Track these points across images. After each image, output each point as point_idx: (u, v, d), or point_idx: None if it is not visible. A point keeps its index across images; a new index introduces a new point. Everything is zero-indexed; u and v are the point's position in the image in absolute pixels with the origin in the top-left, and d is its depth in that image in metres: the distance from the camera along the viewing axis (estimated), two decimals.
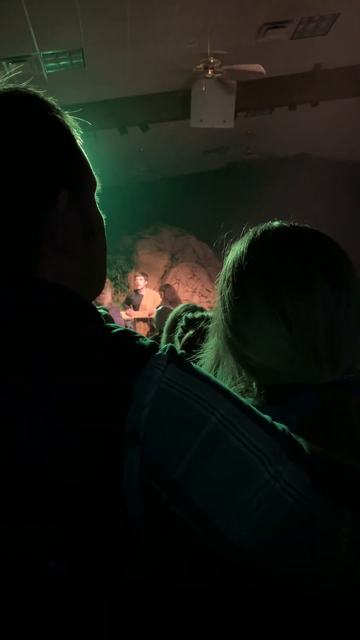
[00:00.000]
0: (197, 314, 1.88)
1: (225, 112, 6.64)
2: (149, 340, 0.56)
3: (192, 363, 0.56)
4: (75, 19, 5.05)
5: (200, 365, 0.77)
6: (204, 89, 6.23)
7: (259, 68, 5.48)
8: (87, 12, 4.97)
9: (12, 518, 0.49)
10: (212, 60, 5.75)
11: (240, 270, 0.73)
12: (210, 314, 1.76)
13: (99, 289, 0.70)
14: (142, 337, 0.57)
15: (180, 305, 2.32)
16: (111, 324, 0.59)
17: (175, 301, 7.49)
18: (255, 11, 5.43)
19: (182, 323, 1.90)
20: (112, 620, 0.50)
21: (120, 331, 0.57)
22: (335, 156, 9.29)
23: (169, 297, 7.66)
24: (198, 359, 0.80)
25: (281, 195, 8.43)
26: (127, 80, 6.48)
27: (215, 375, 0.76)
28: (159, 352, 0.54)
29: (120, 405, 0.50)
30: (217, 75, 5.92)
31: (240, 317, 0.71)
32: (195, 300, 8.68)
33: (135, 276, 8.50)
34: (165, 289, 7.96)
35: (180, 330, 1.90)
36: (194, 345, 0.83)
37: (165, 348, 0.55)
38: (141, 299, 8.15)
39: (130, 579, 0.51)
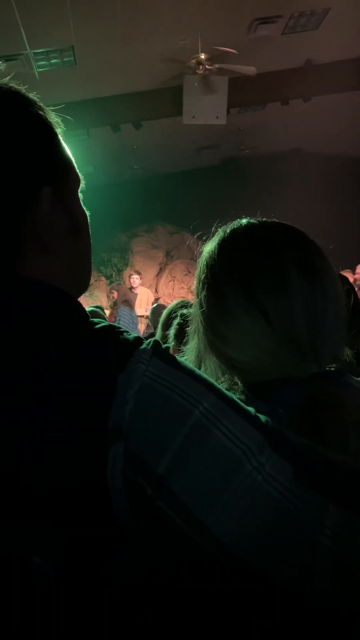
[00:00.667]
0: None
1: (218, 108, 6.63)
2: (133, 335, 0.56)
3: (176, 357, 0.56)
4: (66, 16, 5.03)
5: None
6: (195, 85, 6.22)
7: (251, 71, 5.47)
8: (77, 9, 4.95)
9: (11, 518, 0.49)
10: (203, 57, 5.74)
11: (214, 270, 0.72)
12: None
13: (85, 286, 0.70)
14: (127, 331, 0.57)
15: (175, 302, 2.32)
16: (95, 320, 0.59)
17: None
18: (245, 6, 5.42)
19: (178, 320, 1.90)
20: (108, 620, 0.50)
21: (105, 326, 0.57)
22: (329, 151, 9.28)
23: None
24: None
25: (276, 191, 8.43)
26: (119, 78, 6.46)
27: None
28: (143, 346, 0.54)
29: (105, 400, 0.50)
30: (208, 70, 5.91)
31: (219, 317, 0.71)
32: (191, 298, 8.67)
33: (130, 275, 8.54)
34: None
35: (176, 326, 1.89)
36: None
37: (150, 342, 0.55)
38: (136, 297, 8.20)
39: (128, 579, 0.51)
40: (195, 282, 0.77)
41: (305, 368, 0.67)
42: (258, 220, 0.75)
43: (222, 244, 0.74)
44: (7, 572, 0.49)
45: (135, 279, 8.30)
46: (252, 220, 0.75)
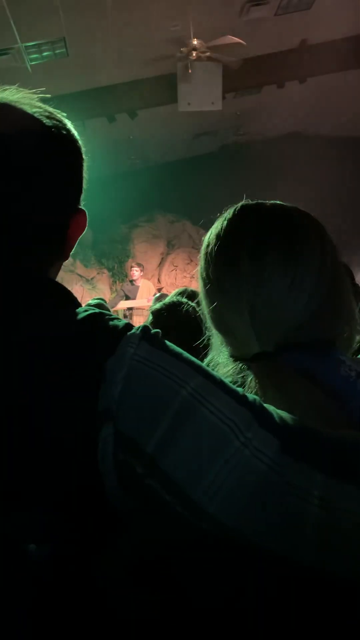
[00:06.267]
0: (172, 299, 1.87)
1: (213, 94, 6.58)
2: (123, 321, 0.58)
3: (165, 341, 0.57)
4: (55, 7, 4.98)
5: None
6: (189, 71, 6.16)
7: (233, 39, 5.40)
8: (66, 0, 4.91)
9: (5, 502, 0.50)
10: (196, 42, 5.68)
11: (210, 245, 0.76)
12: (184, 300, 1.85)
13: None
14: (117, 318, 0.59)
15: (175, 290, 2.33)
16: (84, 307, 0.60)
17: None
18: None
19: (158, 305, 1.89)
20: (94, 605, 0.51)
21: (95, 313, 0.58)
22: (326, 133, 9.20)
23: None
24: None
25: (275, 175, 8.37)
26: (112, 68, 6.41)
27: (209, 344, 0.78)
28: (132, 331, 0.56)
29: (94, 384, 0.52)
30: (202, 56, 5.85)
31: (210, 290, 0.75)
32: (194, 286, 8.64)
33: (131, 267, 8.46)
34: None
35: (150, 316, 1.90)
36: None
37: (139, 327, 0.56)
38: (137, 289, 8.14)
39: (113, 574, 0.52)
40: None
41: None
42: (265, 204, 0.76)
43: (222, 222, 0.77)
44: (2, 559, 0.50)
45: (135, 272, 8.15)
46: (260, 203, 0.76)
